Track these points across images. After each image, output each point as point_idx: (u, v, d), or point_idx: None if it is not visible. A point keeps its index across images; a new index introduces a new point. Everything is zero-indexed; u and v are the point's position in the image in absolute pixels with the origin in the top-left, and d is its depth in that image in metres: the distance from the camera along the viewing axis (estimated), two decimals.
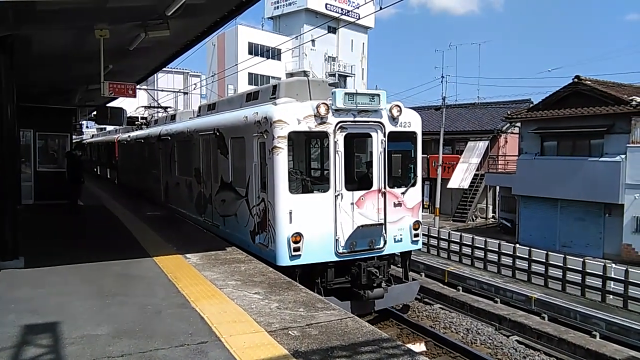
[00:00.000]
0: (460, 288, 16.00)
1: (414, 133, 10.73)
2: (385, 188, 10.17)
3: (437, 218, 27.57)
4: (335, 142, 9.62)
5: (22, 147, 16.09)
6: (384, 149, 10.11)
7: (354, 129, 9.94)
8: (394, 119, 10.21)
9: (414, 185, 10.78)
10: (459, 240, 19.40)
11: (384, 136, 10.11)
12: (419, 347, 10.84)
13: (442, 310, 14.07)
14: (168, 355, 4.99)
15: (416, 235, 10.76)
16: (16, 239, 8.54)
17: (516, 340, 12.29)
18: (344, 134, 9.70)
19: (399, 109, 10.21)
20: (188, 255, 9.52)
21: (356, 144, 11.39)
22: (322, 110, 9.36)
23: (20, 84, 8.90)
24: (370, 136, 10.20)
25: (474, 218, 31.28)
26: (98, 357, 4.92)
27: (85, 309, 6.44)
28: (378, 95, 9.93)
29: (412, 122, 10.60)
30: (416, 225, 10.74)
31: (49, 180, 16.73)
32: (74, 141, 20.29)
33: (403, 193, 10.55)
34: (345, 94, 9.60)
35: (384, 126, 10.10)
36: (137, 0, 8.23)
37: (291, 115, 9.33)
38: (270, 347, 5.23)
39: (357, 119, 9.81)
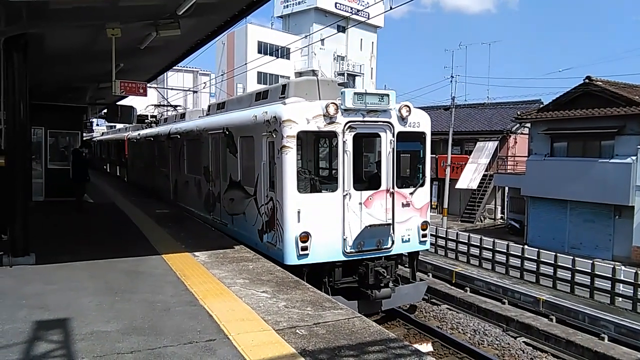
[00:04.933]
0: (468, 289, 15.94)
1: (423, 133, 10.70)
2: (393, 188, 10.16)
3: (445, 218, 27.49)
4: (344, 141, 9.62)
5: (33, 145, 16.23)
6: (393, 149, 10.10)
7: (363, 129, 9.94)
8: (403, 119, 10.19)
9: (422, 185, 10.76)
10: (467, 241, 19.34)
11: (393, 136, 10.09)
12: (426, 347, 10.83)
13: (450, 311, 14.04)
14: (177, 353, 5.04)
15: (424, 236, 10.74)
16: (27, 235, 8.63)
17: (524, 341, 12.23)
18: (352, 133, 9.70)
19: (408, 109, 10.18)
20: (196, 253, 9.58)
21: (365, 143, 11.39)
22: (331, 109, 9.36)
23: (32, 82, 8.98)
24: (379, 136, 10.19)
25: (483, 219, 31.16)
26: (108, 354, 4.97)
27: (94, 305, 6.51)
28: (387, 95, 9.92)
29: (421, 122, 10.57)
30: (424, 225, 10.72)
31: (59, 177, 16.84)
32: (84, 139, 20.39)
33: (411, 193, 10.53)
34: (355, 93, 9.59)
35: (393, 126, 10.09)
36: None
37: (300, 114, 9.35)
38: (278, 345, 5.26)
39: (366, 118, 9.81)
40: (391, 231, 10.13)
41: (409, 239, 10.49)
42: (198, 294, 6.98)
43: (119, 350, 5.06)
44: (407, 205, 10.44)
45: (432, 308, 14.16)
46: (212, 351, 5.09)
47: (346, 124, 9.59)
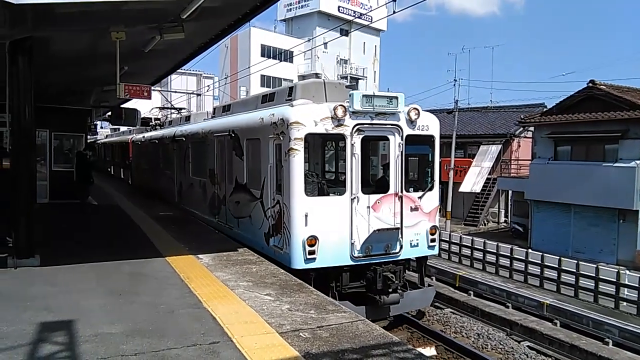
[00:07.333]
0: (472, 292, 15.91)
1: (432, 137, 10.57)
2: (402, 192, 10.06)
3: (448, 222, 27.47)
4: (352, 144, 9.53)
5: (38, 147, 16.29)
6: (401, 152, 10.00)
7: (372, 132, 9.86)
8: (411, 122, 10.08)
9: (431, 189, 10.62)
10: (470, 245, 19.30)
11: (402, 139, 10.00)
12: (429, 351, 10.81)
13: (453, 315, 14.00)
14: (181, 355, 5.03)
15: (433, 240, 10.58)
16: (32, 237, 8.64)
17: (527, 346, 12.20)
18: (361, 136, 9.61)
19: (417, 112, 10.06)
20: (200, 256, 9.58)
21: (373, 146, 11.32)
22: (340, 112, 9.27)
23: (37, 84, 9.00)
24: (388, 139, 10.09)
25: (486, 222, 31.11)
26: (112, 356, 4.97)
27: (99, 307, 6.51)
28: (396, 97, 9.80)
29: (430, 125, 10.46)
30: (433, 230, 10.56)
31: (63, 179, 16.91)
32: (88, 141, 20.46)
33: (420, 197, 10.40)
34: (363, 96, 9.49)
35: (401, 129, 9.99)
36: (153, 3, 8.30)
37: (308, 117, 9.28)
38: (281, 348, 5.25)
39: (374, 121, 9.72)
40: (399, 235, 10.02)
41: (417, 243, 10.36)
42: (202, 297, 6.98)
43: (123, 352, 5.06)
44: (416, 209, 10.32)
45: (436, 312, 14.11)
46: (215, 354, 5.08)
47: (354, 126, 9.52)
